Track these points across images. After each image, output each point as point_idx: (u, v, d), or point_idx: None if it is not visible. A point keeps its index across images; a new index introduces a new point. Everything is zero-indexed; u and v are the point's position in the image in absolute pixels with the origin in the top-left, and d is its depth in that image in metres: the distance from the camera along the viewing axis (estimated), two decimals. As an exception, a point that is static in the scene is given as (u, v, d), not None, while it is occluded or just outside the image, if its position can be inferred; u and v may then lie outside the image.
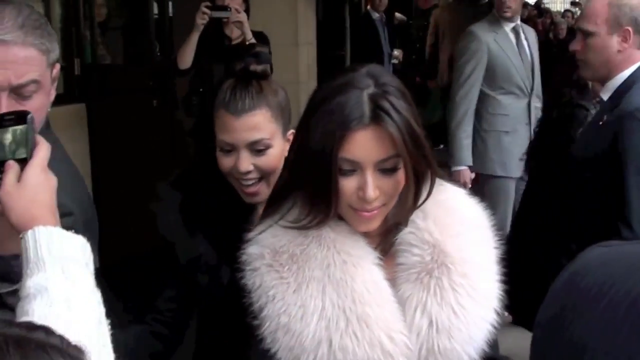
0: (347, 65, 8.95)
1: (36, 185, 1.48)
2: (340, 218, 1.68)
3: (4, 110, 1.72)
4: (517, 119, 5.23)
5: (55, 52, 1.87)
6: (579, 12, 10.64)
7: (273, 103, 2.11)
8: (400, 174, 1.61)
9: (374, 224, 1.66)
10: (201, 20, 5.02)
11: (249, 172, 2.09)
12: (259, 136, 2.08)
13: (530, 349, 0.99)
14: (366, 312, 1.59)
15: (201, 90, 5.36)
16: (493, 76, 5.20)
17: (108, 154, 6.31)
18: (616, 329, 0.85)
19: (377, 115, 1.56)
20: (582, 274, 0.95)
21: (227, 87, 2.12)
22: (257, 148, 2.09)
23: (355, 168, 1.60)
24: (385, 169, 1.59)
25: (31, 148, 1.51)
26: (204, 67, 5.26)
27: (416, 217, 1.70)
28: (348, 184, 1.61)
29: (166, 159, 6.02)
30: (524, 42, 5.33)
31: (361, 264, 1.65)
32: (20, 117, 1.53)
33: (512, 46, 5.27)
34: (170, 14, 7.37)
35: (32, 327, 0.76)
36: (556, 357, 0.92)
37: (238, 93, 2.08)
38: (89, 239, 1.65)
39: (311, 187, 1.64)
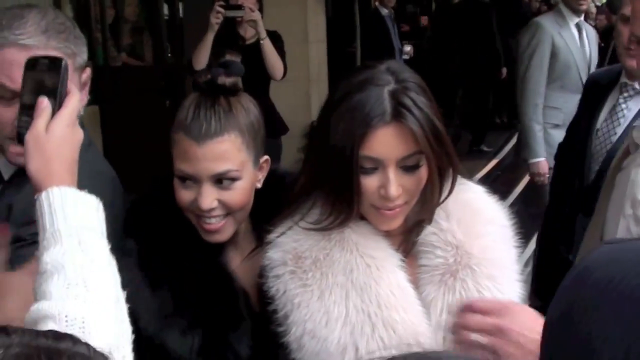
0: (362, 62, 8.95)
1: (61, 137, 1.41)
2: (362, 217, 1.66)
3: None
4: (570, 114, 5.19)
5: (83, 56, 1.83)
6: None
7: (244, 126, 1.75)
8: (423, 171, 1.59)
9: (396, 223, 1.64)
10: (216, 20, 5.04)
11: (212, 209, 1.74)
12: (226, 167, 1.72)
13: (540, 349, 1.00)
14: (392, 317, 1.57)
15: None
16: (552, 69, 5.17)
17: (121, 154, 6.34)
18: (626, 322, 0.86)
19: (399, 112, 1.54)
20: (591, 270, 0.95)
21: (189, 104, 1.75)
22: (224, 182, 1.73)
23: (377, 166, 1.58)
24: (408, 166, 1.58)
25: (61, 97, 1.43)
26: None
27: (439, 217, 1.68)
28: (370, 182, 1.59)
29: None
30: (585, 40, 5.30)
31: (385, 267, 1.63)
32: (53, 63, 1.45)
33: (575, 42, 5.22)
34: (181, 15, 7.40)
35: (58, 336, 0.76)
36: (566, 354, 0.93)
37: (202, 113, 1.71)
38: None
39: (332, 186, 1.61)
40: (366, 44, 9.52)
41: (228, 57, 1.60)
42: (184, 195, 1.74)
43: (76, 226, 1.33)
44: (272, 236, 1.68)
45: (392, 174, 1.57)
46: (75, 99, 1.44)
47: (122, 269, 1.68)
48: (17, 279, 1.52)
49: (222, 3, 5.07)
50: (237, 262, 1.82)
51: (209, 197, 1.72)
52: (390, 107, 1.54)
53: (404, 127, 1.54)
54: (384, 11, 9.65)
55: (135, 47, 7.59)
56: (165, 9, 7.29)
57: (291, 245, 1.66)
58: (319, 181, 1.65)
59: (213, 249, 1.79)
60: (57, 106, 1.42)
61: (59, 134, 1.40)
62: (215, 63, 1.79)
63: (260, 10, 5.31)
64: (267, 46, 5.11)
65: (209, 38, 5.06)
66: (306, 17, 7.26)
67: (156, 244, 1.78)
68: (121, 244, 1.75)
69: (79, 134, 1.44)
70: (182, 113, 1.74)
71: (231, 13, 5.08)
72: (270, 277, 1.65)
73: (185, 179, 1.73)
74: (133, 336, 1.43)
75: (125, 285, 1.69)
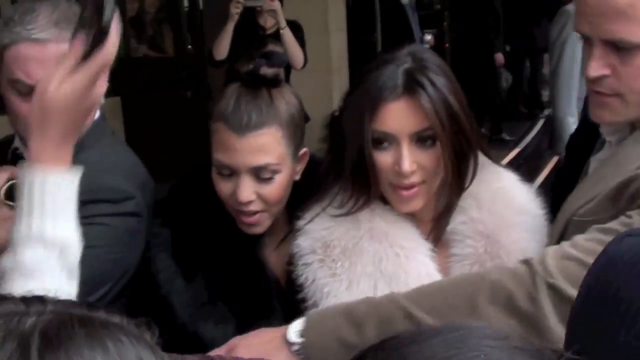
0: (380, 50, 8.92)
1: (66, 103, 1.26)
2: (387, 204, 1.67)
3: None
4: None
5: None
6: None
7: (285, 119, 1.72)
8: (439, 150, 1.59)
9: (416, 204, 1.64)
10: (235, 10, 5.05)
11: (250, 203, 1.72)
12: (265, 161, 1.69)
13: (567, 324, 1.01)
14: None
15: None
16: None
17: (143, 146, 6.36)
18: None
19: (411, 87, 1.55)
20: (616, 263, 0.97)
21: (230, 94, 1.72)
22: (263, 175, 1.71)
23: (390, 141, 1.58)
24: (422, 142, 1.58)
25: (99, 38, 1.23)
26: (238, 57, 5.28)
27: (470, 206, 1.68)
28: (384, 158, 1.59)
29: (201, 150, 6.05)
30: None
31: (414, 256, 1.63)
32: None
33: None
34: (201, 7, 7.40)
35: (93, 306, 0.77)
36: (599, 317, 0.93)
37: (243, 104, 1.69)
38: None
39: (350, 166, 1.62)
40: (386, 33, 9.48)
41: (271, 47, 1.54)
42: (223, 186, 1.73)
43: (54, 232, 1.29)
44: (301, 223, 1.69)
45: (406, 149, 1.57)
46: (114, 43, 1.25)
47: (155, 257, 1.75)
48: None
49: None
50: (271, 251, 1.83)
51: (247, 190, 1.70)
52: (402, 82, 1.56)
53: (416, 102, 1.55)
54: (404, 0, 9.61)
55: (156, 39, 7.61)
56: (186, 1, 7.29)
57: (320, 234, 1.66)
58: (339, 164, 1.66)
59: (248, 237, 1.78)
60: (94, 46, 1.22)
61: (66, 97, 1.25)
62: (257, 53, 1.78)
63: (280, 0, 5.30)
64: (287, 36, 5.11)
65: (229, 28, 5.07)
66: (327, 6, 7.24)
67: (191, 233, 1.77)
68: (153, 230, 1.79)
69: (92, 98, 1.31)
70: (223, 103, 1.72)
71: (251, 2, 5.09)
72: (300, 265, 1.67)
73: (223, 169, 1.72)
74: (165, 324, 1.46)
75: (158, 272, 1.74)
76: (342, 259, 1.63)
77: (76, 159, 1.80)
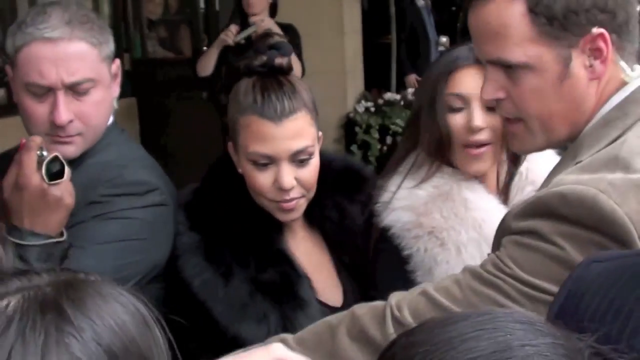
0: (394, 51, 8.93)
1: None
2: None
3: (62, 109, 1.75)
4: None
5: (109, 45, 1.85)
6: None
7: (309, 103, 1.79)
8: None
9: (484, 164, 1.83)
10: (226, 37, 5.02)
11: (292, 189, 1.76)
12: (304, 143, 1.76)
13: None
14: None
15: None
16: None
17: (159, 146, 6.41)
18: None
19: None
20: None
21: (251, 87, 1.77)
22: (301, 158, 1.76)
23: (463, 103, 1.79)
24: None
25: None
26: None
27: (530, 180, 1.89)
28: (458, 120, 1.79)
29: (217, 151, 6.08)
30: None
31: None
32: None
33: None
34: (217, 8, 7.44)
35: (71, 271, 0.86)
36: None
37: (273, 94, 1.74)
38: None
39: (426, 132, 1.82)
40: (402, 35, 9.50)
41: (277, 38, 1.58)
42: (261, 177, 1.76)
43: None
44: (386, 196, 1.85)
45: (477, 110, 1.78)
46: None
47: (186, 264, 1.77)
48: None
49: (237, 28, 5.01)
50: (294, 247, 1.86)
51: (289, 176, 1.74)
52: (473, 55, 1.74)
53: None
54: (420, 2, 9.61)
55: (173, 40, 7.65)
56: (202, 2, 7.33)
57: (418, 208, 1.81)
58: (414, 136, 1.88)
59: (272, 235, 1.82)
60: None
61: None
62: (264, 46, 1.81)
63: (274, 5, 5.26)
64: None
65: (216, 50, 5.03)
66: (342, 8, 7.26)
67: (222, 235, 1.80)
68: (181, 238, 1.80)
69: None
70: (248, 97, 1.76)
71: (244, 34, 5.05)
72: (410, 238, 1.80)
73: (260, 160, 1.75)
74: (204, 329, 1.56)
75: (193, 279, 1.76)
76: (446, 228, 1.77)
77: (94, 161, 1.84)
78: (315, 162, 1.80)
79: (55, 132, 1.79)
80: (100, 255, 1.73)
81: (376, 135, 6.86)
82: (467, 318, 0.78)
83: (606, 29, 1.38)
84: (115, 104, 1.91)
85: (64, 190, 1.69)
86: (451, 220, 1.78)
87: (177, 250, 1.80)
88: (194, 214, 1.83)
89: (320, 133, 1.85)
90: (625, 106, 1.41)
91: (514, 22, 1.40)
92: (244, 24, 5.10)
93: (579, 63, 1.41)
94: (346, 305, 1.79)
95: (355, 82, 7.30)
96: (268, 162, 1.75)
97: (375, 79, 7.89)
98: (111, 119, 1.91)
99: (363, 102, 7.09)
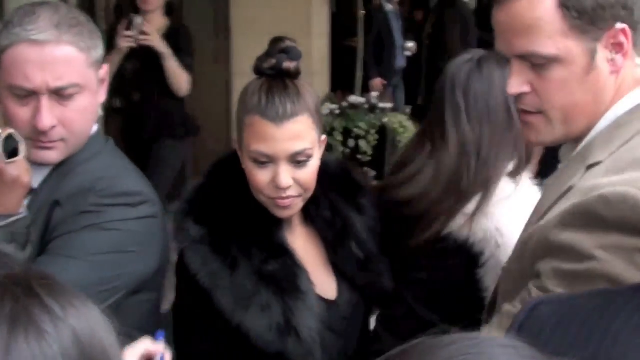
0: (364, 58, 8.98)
1: None
2: None
3: (45, 114, 1.71)
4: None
5: (97, 50, 1.81)
6: None
7: (312, 107, 1.88)
8: None
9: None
10: (125, 43, 4.76)
11: (288, 188, 1.85)
12: (303, 146, 1.84)
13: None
14: None
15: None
16: None
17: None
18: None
19: None
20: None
21: (257, 88, 1.86)
22: (299, 159, 1.84)
23: None
24: None
25: None
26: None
27: None
28: None
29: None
30: None
31: None
32: None
33: None
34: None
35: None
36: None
37: (277, 96, 1.82)
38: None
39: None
40: (369, 38, 9.56)
41: (288, 42, 1.71)
42: (260, 175, 1.85)
43: None
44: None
45: None
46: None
47: (191, 259, 1.84)
48: None
49: (130, 33, 4.78)
50: (292, 241, 1.95)
51: (287, 176, 1.83)
52: None
53: None
54: (388, 7, 9.69)
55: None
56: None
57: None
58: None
59: (272, 229, 1.91)
60: None
61: None
62: (275, 50, 1.90)
63: (170, 5, 5.11)
64: (170, 64, 4.90)
65: (116, 60, 4.75)
66: (310, 11, 7.29)
67: (225, 228, 1.88)
68: (189, 232, 1.86)
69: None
70: (254, 98, 1.84)
71: (129, 33, 4.79)
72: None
73: (261, 158, 1.83)
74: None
75: (198, 272, 1.81)
76: None
77: (84, 169, 1.81)
78: (313, 164, 1.88)
79: (37, 136, 1.75)
80: (90, 266, 1.72)
81: (339, 138, 6.90)
82: (455, 342, 0.82)
83: (627, 24, 1.47)
84: (100, 111, 1.89)
85: (21, 168, 1.67)
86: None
87: (183, 243, 1.86)
88: (199, 208, 1.90)
89: (323, 137, 1.94)
90: (637, 111, 1.49)
91: (546, 15, 1.46)
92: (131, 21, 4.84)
93: (602, 56, 1.48)
94: (339, 298, 1.94)
95: (322, 84, 7.33)
96: (268, 161, 1.83)
97: (341, 81, 7.94)
98: (95, 127, 1.88)
99: (328, 104, 7.13)
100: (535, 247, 1.44)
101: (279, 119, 1.81)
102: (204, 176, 1.97)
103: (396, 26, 9.68)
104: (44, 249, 1.75)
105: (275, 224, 1.92)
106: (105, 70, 1.85)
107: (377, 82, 8.66)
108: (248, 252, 1.86)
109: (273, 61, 1.87)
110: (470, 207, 2.12)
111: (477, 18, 10.98)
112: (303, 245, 1.97)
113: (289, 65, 1.87)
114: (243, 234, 1.88)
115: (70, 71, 1.74)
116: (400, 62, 9.77)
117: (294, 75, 1.89)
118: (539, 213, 1.53)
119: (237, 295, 1.82)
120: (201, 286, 1.82)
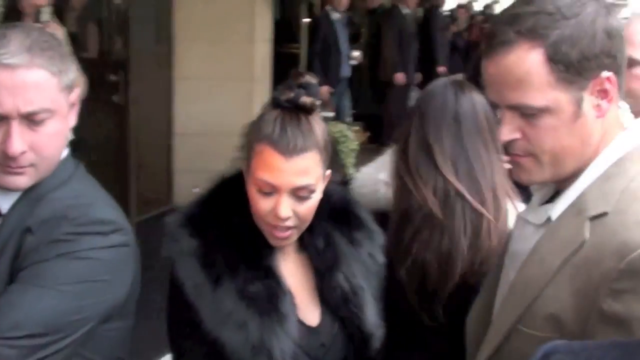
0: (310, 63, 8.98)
1: None
2: None
3: (16, 139, 1.68)
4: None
5: (70, 75, 1.78)
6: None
7: (322, 144, 1.90)
8: None
9: None
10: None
11: (287, 219, 1.87)
12: (307, 182, 1.87)
13: None
14: None
15: None
16: None
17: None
18: None
19: None
20: None
21: (273, 118, 1.88)
22: (301, 194, 1.87)
23: None
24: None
25: None
26: None
27: None
28: None
29: (122, 158, 5.96)
30: None
31: None
32: None
33: None
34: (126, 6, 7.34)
35: None
36: None
37: (289, 130, 1.85)
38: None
39: None
40: (314, 46, 9.57)
41: (308, 78, 1.72)
42: (262, 203, 1.87)
43: None
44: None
45: None
46: None
47: (181, 267, 1.88)
48: None
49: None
50: (282, 266, 1.98)
51: (287, 207, 1.86)
52: None
53: None
54: (335, 15, 9.70)
55: (79, 37, 7.51)
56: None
57: None
58: None
59: (264, 252, 1.94)
60: None
61: None
62: (294, 84, 1.92)
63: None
64: None
65: None
66: (254, 16, 7.27)
67: (217, 244, 1.91)
68: (181, 242, 1.90)
69: None
70: (268, 127, 1.86)
71: None
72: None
73: (265, 187, 1.86)
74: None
75: (185, 280, 1.86)
76: None
77: (55, 196, 1.78)
78: (314, 199, 1.91)
79: (6, 161, 1.71)
80: (62, 296, 1.70)
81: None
82: None
83: (612, 71, 1.53)
84: (70, 135, 1.85)
85: None
86: None
87: (174, 254, 1.89)
88: (197, 221, 1.93)
89: (328, 172, 1.96)
90: (623, 163, 1.56)
91: (535, 70, 1.51)
92: None
93: (588, 103, 1.54)
94: (321, 325, 1.98)
95: (263, 89, 7.32)
96: (271, 190, 1.86)
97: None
98: (66, 151, 1.85)
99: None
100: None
101: (288, 152, 1.83)
102: (207, 191, 2.00)
103: (342, 35, 9.71)
104: (13, 275, 1.73)
105: (267, 247, 1.94)
106: (76, 94, 1.82)
107: (324, 89, 8.66)
108: (234, 271, 1.89)
109: (291, 94, 1.89)
110: None
111: (420, 31, 11.16)
112: (293, 270, 2.00)
113: (305, 100, 1.89)
114: (233, 252, 1.91)
115: (41, 96, 1.70)
116: (345, 71, 9.81)
117: (309, 110, 1.90)
118: (543, 269, 1.55)
119: (217, 311, 1.85)
120: (187, 295, 1.87)
